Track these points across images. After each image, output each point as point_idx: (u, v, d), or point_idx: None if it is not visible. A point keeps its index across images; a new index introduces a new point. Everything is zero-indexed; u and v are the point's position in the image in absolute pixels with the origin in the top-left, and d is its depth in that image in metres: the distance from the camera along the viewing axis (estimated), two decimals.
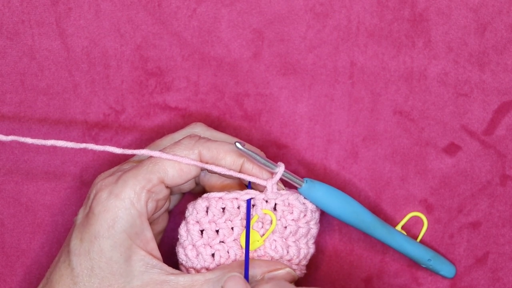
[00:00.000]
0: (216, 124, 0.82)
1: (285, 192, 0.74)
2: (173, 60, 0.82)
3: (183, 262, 0.74)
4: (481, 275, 0.81)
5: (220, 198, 0.74)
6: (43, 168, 0.82)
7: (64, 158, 0.82)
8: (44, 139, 0.73)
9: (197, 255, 0.74)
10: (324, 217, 0.80)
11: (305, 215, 0.75)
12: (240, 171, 0.74)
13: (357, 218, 0.76)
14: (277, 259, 0.74)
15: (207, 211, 0.74)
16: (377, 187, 0.81)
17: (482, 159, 0.81)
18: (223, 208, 0.74)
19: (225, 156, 0.73)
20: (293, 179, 0.74)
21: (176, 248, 0.75)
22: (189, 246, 0.74)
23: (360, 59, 0.81)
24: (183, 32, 0.82)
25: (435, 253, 0.79)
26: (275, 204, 0.74)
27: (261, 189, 0.75)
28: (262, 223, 0.74)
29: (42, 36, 0.82)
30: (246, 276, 0.71)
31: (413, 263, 0.81)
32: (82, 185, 0.82)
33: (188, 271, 0.74)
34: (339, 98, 0.82)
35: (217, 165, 0.73)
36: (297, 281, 0.75)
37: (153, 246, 0.72)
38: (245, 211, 0.74)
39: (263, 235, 0.74)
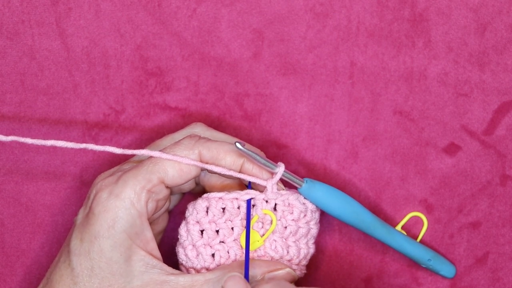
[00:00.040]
0: (216, 124, 0.82)
1: (285, 192, 0.74)
2: (173, 60, 0.82)
3: (183, 262, 0.74)
4: (481, 275, 0.81)
5: (220, 198, 0.74)
6: (43, 168, 0.82)
7: (64, 158, 0.82)
8: (44, 139, 0.73)
9: (197, 255, 0.74)
10: (324, 217, 0.80)
11: (305, 215, 0.75)
12: (240, 171, 0.74)
13: (357, 218, 0.76)
14: (277, 259, 0.74)
15: (207, 211, 0.74)
16: (377, 187, 0.81)
17: (482, 159, 0.81)
18: (223, 208, 0.74)
19: (225, 156, 0.73)
20: (293, 179, 0.74)
21: (176, 248, 0.75)
22: (189, 246, 0.74)
23: (360, 59, 0.81)
24: (183, 32, 0.82)
25: (435, 253, 0.79)
26: (275, 204, 0.74)
27: (261, 189, 0.75)
28: (262, 223, 0.74)
29: (42, 36, 0.82)
30: (246, 276, 0.71)
31: (413, 263, 0.81)
32: (82, 185, 0.82)
33: (188, 271, 0.74)
34: (339, 98, 0.82)
35: (217, 165, 0.73)
36: (297, 281, 0.75)
37: (153, 246, 0.72)
38: (245, 211, 0.74)
39: (263, 235, 0.74)
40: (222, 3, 0.81)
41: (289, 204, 0.74)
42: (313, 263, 0.81)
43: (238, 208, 0.74)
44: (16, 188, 0.82)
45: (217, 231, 0.74)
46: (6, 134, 0.74)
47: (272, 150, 0.82)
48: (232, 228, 0.74)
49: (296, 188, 0.75)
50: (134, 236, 0.71)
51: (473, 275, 0.81)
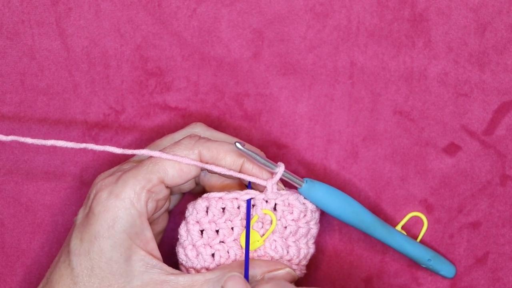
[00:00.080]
0: (216, 124, 0.82)
1: (285, 192, 0.74)
2: (173, 60, 0.82)
3: (183, 262, 0.74)
4: (481, 275, 0.81)
5: (220, 198, 0.74)
6: (43, 168, 0.82)
7: (64, 158, 0.82)
8: (44, 139, 0.73)
9: (197, 255, 0.74)
10: (324, 217, 0.80)
11: (305, 215, 0.75)
12: (240, 171, 0.74)
13: (357, 218, 0.76)
14: (277, 259, 0.74)
15: (207, 211, 0.74)
16: (377, 187, 0.81)
17: (482, 159, 0.81)
18: (223, 208, 0.74)
19: (225, 156, 0.73)
20: (293, 179, 0.74)
21: (176, 248, 0.75)
22: (189, 246, 0.74)
23: (360, 59, 0.81)
24: (183, 32, 0.82)
25: (435, 253, 0.79)
26: (275, 204, 0.74)
27: (261, 189, 0.75)
28: (262, 223, 0.74)
29: (42, 36, 0.82)
30: (246, 276, 0.71)
31: (413, 263, 0.81)
32: (82, 185, 0.82)
33: (188, 271, 0.74)
34: (339, 98, 0.82)
35: (217, 165, 0.73)
36: (297, 281, 0.75)
37: (153, 246, 0.72)
38: (245, 211, 0.74)
39: (263, 235, 0.74)
40: (222, 3, 0.81)
41: (289, 204, 0.74)
42: (313, 263, 0.81)
43: (238, 208, 0.74)
44: (16, 188, 0.82)
45: (217, 231, 0.74)
46: (6, 134, 0.74)
47: (272, 150, 0.82)
48: (232, 228, 0.74)
49: (296, 188, 0.75)
50: (134, 236, 0.71)
51: (473, 275, 0.81)
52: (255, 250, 0.74)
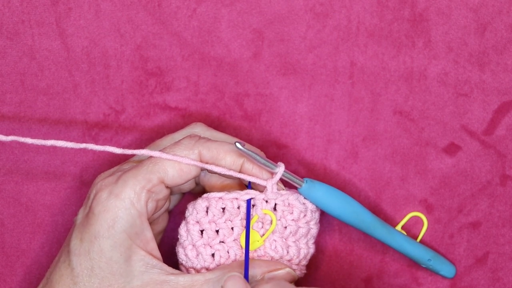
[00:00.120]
0: (216, 124, 0.82)
1: (285, 192, 0.74)
2: (173, 60, 0.82)
3: (183, 262, 0.74)
4: (481, 275, 0.81)
5: (220, 198, 0.74)
6: (43, 168, 0.82)
7: (64, 158, 0.82)
8: (44, 139, 0.73)
9: (197, 255, 0.74)
10: (324, 217, 0.80)
11: (305, 215, 0.75)
12: (240, 171, 0.74)
13: (357, 218, 0.76)
14: (277, 259, 0.74)
15: (207, 211, 0.74)
16: (377, 187, 0.81)
17: (482, 159, 0.81)
18: (223, 208, 0.74)
19: (225, 156, 0.73)
20: (293, 179, 0.74)
21: (176, 248, 0.75)
22: (189, 246, 0.74)
23: (360, 59, 0.81)
24: (183, 32, 0.82)
25: (435, 253, 0.79)
26: (275, 204, 0.74)
27: (261, 189, 0.75)
28: (262, 223, 0.74)
29: (42, 36, 0.82)
30: (246, 276, 0.71)
31: (413, 263, 0.81)
32: (82, 185, 0.82)
33: (188, 271, 0.74)
34: (339, 98, 0.82)
35: (217, 165, 0.73)
36: (297, 281, 0.75)
37: (153, 246, 0.72)
38: (245, 211, 0.74)
39: (263, 235, 0.74)
40: (222, 3, 0.81)
41: (289, 204, 0.74)
42: (313, 263, 0.81)
43: (238, 208, 0.74)
44: (16, 188, 0.82)
45: (217, 231, 0.74)
46: (6, 134, 0.74)
47: (272, 150, 0.82)
48: (232, 228, 0.74)
49: (296, 188, 0.75)
50: (134, 236, 0.71)
51: (473, 275, 0.81)
52: (255, 250, 0.74)
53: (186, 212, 0.74)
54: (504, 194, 0.81)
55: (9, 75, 0.82)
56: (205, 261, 0.73)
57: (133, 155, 0.77)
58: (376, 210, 0.81)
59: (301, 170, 0.82)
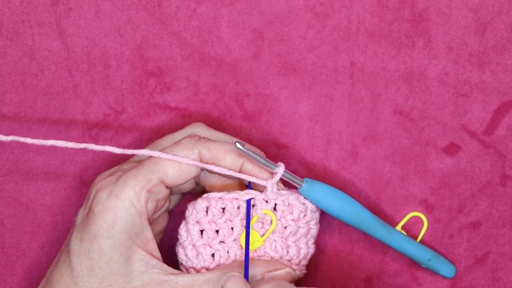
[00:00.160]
0: (216, 124, 0.82)
1: (285, 192, 0.74)
2: (173, 60, 0.82)
3: (183, 262, 0.74)
4: (481, 275, 0.81)
5: (220, 198, 0.74)
6: (43, 168, 0.82)
7: (64, 158, 0.82)
8: (44, 139, 0.73)
9: (197, 255, 0.74)
10: (324, 217, 0.80)
11: (305, 215, 0.75)
12: (240, 171, 0.74)
13: (357, 218, 0.76)
14: (277, 259, 0.74)
15: (207, 211, 0.74)
16: (377, 187, 0.81)
17: (482, 159, 0.81)
18: (223, 208, 0.74)
19: (225, 156, 0.73)
20: (293, 179, 0.74)
21: (176, 248, 0.75)
22: (189, 246, 0.74)
23: (360, 59, 0.81)
24: (183, 32, 0.82)
25: (435, 253, 0.79)
26: (275, 204, 0.74)
27: (261, 189, 0.75)
28: (262, 223, 0.74)
29: (42, 36, 0.82)
30: (246, 276, 0.71)
31: (413, 263, 0.81)
32: (82, 185, 0.82)
33: (188, 271, 0.74)
34: (339, 98, 0.82)
35: (217, 165, 0.73)
36: (297, 281, 0.75)
37: (153, 246, 0.72)
38: (245, 211, 0.74)
39: (263, 235, 0.74)
40: (222, 3, 0.81)
41: (289, 204, 0.74)
42: (313, 263, 0.81)
43: (238, 208, 0.74)
44: (16, 188, 0.82)
45: (217, 231, 0.74)
46: (6, 134, 0.74)
47: (272, 150, 0.82)
48: (232, 228, 0.74)
49: (296, 188, 0.75)
50: (134, 236, 0.71)
51: (473, 275, 0.81)
52: (255, 250, 0.74)
53: (186, 212, 0.74)
54: (504, 194, 0.81)
55: (9, 75, 0.82)
56: (205, 261, 0.73)
57: (133, 155, 0.77)
58: (376, 210, 0.81)
59: (301, 170, 0.82)
